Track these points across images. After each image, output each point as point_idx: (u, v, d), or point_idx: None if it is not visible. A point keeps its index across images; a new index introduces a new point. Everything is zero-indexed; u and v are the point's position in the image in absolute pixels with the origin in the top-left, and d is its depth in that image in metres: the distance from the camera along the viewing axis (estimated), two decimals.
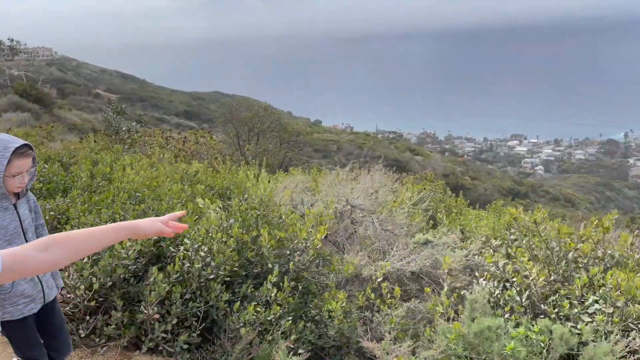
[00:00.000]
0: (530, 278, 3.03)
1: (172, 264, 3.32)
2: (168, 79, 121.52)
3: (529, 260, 3.16)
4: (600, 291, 2.87)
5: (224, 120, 22.29)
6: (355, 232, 4.31)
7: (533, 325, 2.67)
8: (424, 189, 8.37)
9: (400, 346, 2.90)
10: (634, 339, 2.72)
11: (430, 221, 6.55)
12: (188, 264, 3.32)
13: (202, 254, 3.31)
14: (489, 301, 3.30)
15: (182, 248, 3.39)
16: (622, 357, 2.56)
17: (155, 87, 72.11)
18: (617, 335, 2.57)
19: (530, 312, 3.19)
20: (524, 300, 3.25)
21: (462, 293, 3.34)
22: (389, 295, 3.26)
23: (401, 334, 3.11)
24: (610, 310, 2.74)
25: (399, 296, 3.23)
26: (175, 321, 3.19)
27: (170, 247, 3.45)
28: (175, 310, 3.18)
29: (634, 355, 2.74)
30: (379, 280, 3.49)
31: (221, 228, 3.60)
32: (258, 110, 21.73)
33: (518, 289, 3.30)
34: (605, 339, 2.70)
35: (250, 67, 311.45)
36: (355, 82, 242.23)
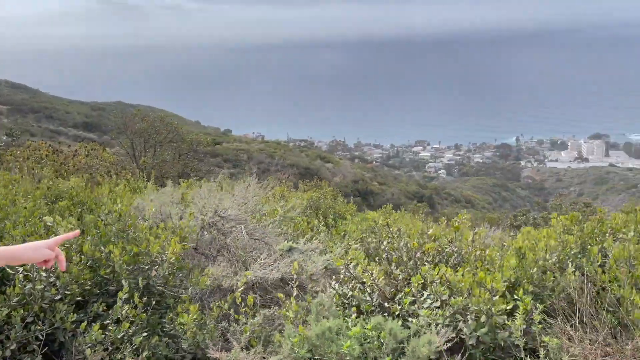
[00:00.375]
0: (372, 278, 3.20)
1: (11, 286, 3.13)
2: (65, 89, 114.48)
3: (368, 261, 3.35)
4: (433, 287, 3.11)
5: (117, 132, 21.40)
6: (226, 243, 4.32)
7: (367, 324, 2.82)
8: (312, 197, 8.58)
9: (249, 353, 2.95)
10: (462, 329, 2.96)
11: (321, 227, 6.72)
12: (30, 285, 3.16)
13: (44, 273, 3.16)
14: (342, 303, 3.43)
15: (21, 269, 3.21)
16: (446, 345, 2.78)
17: (49, 97, 67.57)
18: (439, 326, 2.79)
19: (380, 310, 3.36)
20: (374, 299, 3.42)
21: (317, 297, 3.45)
22: (243, 305, 3.30)
23: (255, 341, 3.16)
24: (438, 303, 2.97)
25: (252, 304, 3.28)
26: (14, 346, 3.01)
27: (8, 269, 3.25)
28: (15, 334, 3.00)
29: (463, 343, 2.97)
30: (239, 290, 3.51)
31: (72, 246, 3.46)
32: (153, 120, 21.07)
33: (369, 289, 3.46)
34: (437, 331, 2.91)
35: (158, 77, 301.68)
36: (267, 91, 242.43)
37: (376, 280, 3.19)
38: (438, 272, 3.13)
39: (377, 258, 3.85)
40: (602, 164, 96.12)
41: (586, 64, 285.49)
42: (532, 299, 2.97)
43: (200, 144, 22.98)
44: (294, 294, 3.31)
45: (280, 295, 3.33)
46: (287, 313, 3.15)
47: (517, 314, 2.82)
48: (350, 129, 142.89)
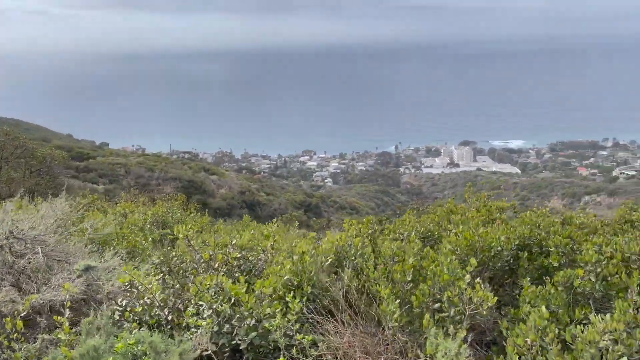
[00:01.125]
0: (150, 292, 3.17)
1: None
2: None
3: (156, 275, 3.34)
4: (208, 295, 3.15)
5: None
6: (19, 265, 3.96)
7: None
8: (156, 212, 8.25)
9: None
10: (237, 334, 2.97)
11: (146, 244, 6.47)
12: None
13: None
14: (134, 319, 3.33)
15: None
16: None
17: None
18: (210, 334, 2.84)
19: (167, 324, 3.31)
20: (166, 313, 3.34)
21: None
22: (13, 330, 3.09)
23: None
24: (210, 312, 3.00)
25: (22, 329, 3.10)
26: None
27: None
28: None
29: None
30: (22, 314, 3.29)
31: None
32: None
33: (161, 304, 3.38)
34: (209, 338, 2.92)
35: (24, 87, 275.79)
36: (148, 102, 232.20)
37: (155, 295, 3.18)
38: (210, 281, 3.19)
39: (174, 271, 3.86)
40: (471, 169, 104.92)
41: (458, 77, 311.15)
42: (309, 299, 3.19)
43: (54, 159, 21.29)
44: (66, 315, 3.15)
45: (56, 317, 3.16)
46: (59, 335, 3.03)
47: (289, 316, 3.00)
48: (237, 140, 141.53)
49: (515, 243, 4.16)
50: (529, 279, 3.50)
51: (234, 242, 3.92)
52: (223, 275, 3.36)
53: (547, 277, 3.59)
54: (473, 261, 3.33)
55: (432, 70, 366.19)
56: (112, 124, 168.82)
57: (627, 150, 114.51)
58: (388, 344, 3.03)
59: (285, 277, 3.43)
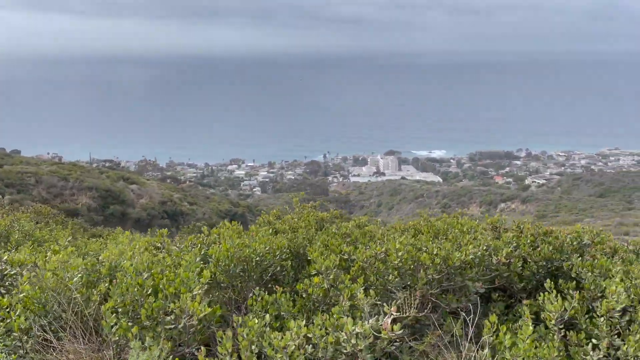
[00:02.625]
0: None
1: None
2: None
3: None
4: None
5: None
6: None
7: None
8: None
9: None
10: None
11: None
12: None
13: None
14: None
15: None
16: None
17: None
18: None
19: None
20: None
21: None
22: None
23: None
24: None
25: None
26: None
27: None
28: None
29: None
30: None
31: None
32: None
33: None
34: None
35: None
36: (67, 108, 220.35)
37: None
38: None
39: None
40: (396, 177, 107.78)
41: (381, 89, 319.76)
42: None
43: None
44: None
45: None
46: None
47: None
48: (162, 148, 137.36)
49: (283, 254, 4.36)
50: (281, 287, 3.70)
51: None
52: None
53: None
54: (206, 273, 3.47)
55: (358, 81, 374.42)
56: (26, 131, 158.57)
57: (539, 160, 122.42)
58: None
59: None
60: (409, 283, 3.76)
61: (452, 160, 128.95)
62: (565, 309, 3.32)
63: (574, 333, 3.27)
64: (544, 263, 4.30)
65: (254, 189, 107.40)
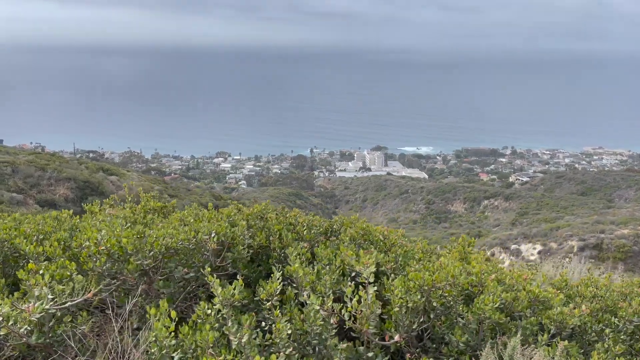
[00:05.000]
0: None
1: None
2: None
3: None
4: None
5: None
6: None
7: None
8: None
9: None
10: None
11: None
12: None
13: None
14: None
15: None
16: None
17: None
18: None
19: None
20: None
21: None
22: None
23: None
24: None
25: None
26: None
27: None
28: None
29: None
30: None
31: None
32: None
33: None
34: None
35: None
36: (52, 98, 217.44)
37: None
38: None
39: None
40: (382, 173, 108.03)
41: (371, 84, 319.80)
42: None
43: None
44: None
45: None
46: None
47: None
48: (147, 139, 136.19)
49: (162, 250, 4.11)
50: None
51: None
52: None
53: None
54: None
55: (347, 76, 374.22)
56: (9, 119, 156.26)
57: (524, 158, 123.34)
58: None
59: None
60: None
61: (438, 157, 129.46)
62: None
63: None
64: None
65: (240, 182, 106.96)
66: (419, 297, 2.99)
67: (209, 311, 2.74)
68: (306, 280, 3.08)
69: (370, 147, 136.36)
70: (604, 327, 3.33)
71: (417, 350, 3.15)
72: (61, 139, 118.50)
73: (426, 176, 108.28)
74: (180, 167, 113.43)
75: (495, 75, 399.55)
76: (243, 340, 2.57)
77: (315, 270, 3.22)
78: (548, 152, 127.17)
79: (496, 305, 3.00)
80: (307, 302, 2.82)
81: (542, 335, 2.98)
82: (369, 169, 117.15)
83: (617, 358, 3.05)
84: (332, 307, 2.74)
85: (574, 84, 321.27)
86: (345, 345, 2.71)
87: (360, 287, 2.92)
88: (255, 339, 2.65)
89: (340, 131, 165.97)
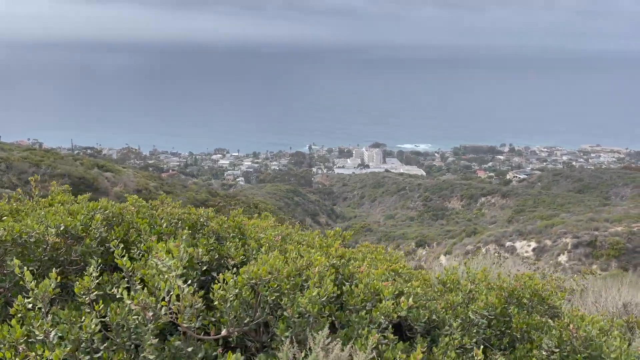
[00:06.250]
0: None
1: None
2: None
3: None
4: None
5: None
6: None
7: None
8: None
9: None
10: None
11: None
12: None
13: None
14: None
15: None
16: None
17: None
18: None
19: None
20: None
21: None
22: None
23: None
24: None
25: None
26: None
27: None
28: None
29: None
30: None
31: None
32: None
33: None
34: None
35: None
36: (50, 94, 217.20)
37: None
38: None
39: None
40: (380, 170, 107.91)
41: (371, 81, 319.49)
42: None
43: None
44: None
45: None
46: None
47: None
48: (146, 136, 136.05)
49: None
50: None
51: None
52: None
53: None
54: None
55: (347, 74, 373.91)
56: (8, 116, 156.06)
57: (522, 156, 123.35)
58: None
59: None
60: None
61: (436, 154, 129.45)
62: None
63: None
64: None
65: (238, 179, 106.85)
66: (244, 290, 2.98)
67: (30, 306, 2.66)
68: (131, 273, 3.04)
69: (369, 144, 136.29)
70: (461, 321, 3.36)
71: (257, 344, 3.16)
72: (59, 136, 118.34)
73: (424, 173, 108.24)
74: (178, 163, 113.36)
75: (494, 73, 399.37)
76: (51, 336, 2.54)
77: (143, 263, 3.16)
78: (546, 150, 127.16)
79: (323, 299, 2.98)
80: (118, 295, 2.78)
81: (372, 329, 2.97)
82: (367, 166, 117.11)
83: (454, 351, 3.05)
84: (144, 301, 2.67)
85: (572, 82, 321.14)
86: (156, 340, 2.66)
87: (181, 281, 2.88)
88: (65, 335, 2.58)
89: (338, 128, 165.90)
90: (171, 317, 2.68)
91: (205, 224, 4.22)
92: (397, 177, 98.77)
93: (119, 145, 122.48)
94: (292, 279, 3.14)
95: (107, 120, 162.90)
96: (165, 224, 4.01)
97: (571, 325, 3.20)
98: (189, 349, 2.74)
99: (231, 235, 4.18)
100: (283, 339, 2.82)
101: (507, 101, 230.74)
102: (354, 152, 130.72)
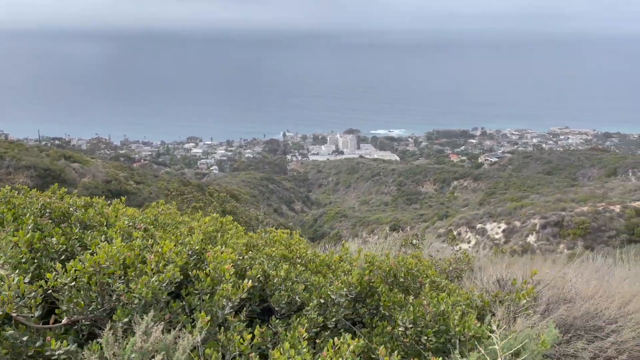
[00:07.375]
0: None
1: None
2: None
3: None
4: None
5: None
6: None
7: None
8: None
9: None
10: None
11: None
12: None
13: None
14: None
15: None
16: None
17: None
18: None
19: None
20: None
21: None
22: None
23: None
24: None
25: None
26: None
27: None
28: None
29: None
30: None
31: None
32: None
33: None
34: None
35: None
36: (15, 84, 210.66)
37: None
38: None
39: None
40: (354, 156, 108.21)
41: (345, 66, 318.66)
42: None
43: None
44: None
45: None
46: None
47: None
48: (116, 125, 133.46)
49: None
50: None
51: None
52: None
53: None
54: None
55: (319, 59, 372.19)
56: None
57: (493, 139, 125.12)
58: None
59: None
60: None
61: (410, 139, 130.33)
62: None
63: None
64: None
65: (211, 168, 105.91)
66: (85, 278, 2.95)
67: None
68: None
69: (343, 131, 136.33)
70: (324, 301, 3.53)
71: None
72: (25, 127, 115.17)
73: (398, 158, 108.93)
74: (150, 153, 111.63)
75: (465, 57, 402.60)
76: None
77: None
78: (517, 133, 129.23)
79: (164, 284, 2.98)
80: None
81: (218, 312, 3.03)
82: (342, 152, 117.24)
83: (307, 331, 3.09)
84: None
85: (542, 65, 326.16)
86: None
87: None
88: None
89: (313, 115, 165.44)
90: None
91: (72, 212, 4.16)
92: (371, 162, 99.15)
93: (88, 135, 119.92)
94: (138, 266, 3.11)
95: (75, 111, 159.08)
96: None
97: (425, 302, 3.45)
98: (24, 338, 2.67)
99: (98, 225, 4.15)
100: (120, 325, 2.79)
101: (479, 85, 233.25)
102: (328, 138, 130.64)
